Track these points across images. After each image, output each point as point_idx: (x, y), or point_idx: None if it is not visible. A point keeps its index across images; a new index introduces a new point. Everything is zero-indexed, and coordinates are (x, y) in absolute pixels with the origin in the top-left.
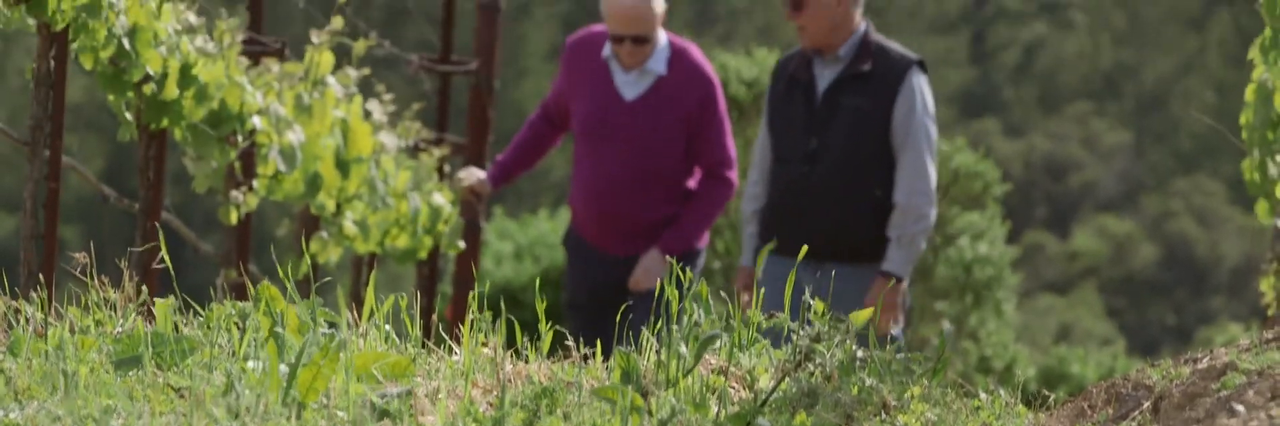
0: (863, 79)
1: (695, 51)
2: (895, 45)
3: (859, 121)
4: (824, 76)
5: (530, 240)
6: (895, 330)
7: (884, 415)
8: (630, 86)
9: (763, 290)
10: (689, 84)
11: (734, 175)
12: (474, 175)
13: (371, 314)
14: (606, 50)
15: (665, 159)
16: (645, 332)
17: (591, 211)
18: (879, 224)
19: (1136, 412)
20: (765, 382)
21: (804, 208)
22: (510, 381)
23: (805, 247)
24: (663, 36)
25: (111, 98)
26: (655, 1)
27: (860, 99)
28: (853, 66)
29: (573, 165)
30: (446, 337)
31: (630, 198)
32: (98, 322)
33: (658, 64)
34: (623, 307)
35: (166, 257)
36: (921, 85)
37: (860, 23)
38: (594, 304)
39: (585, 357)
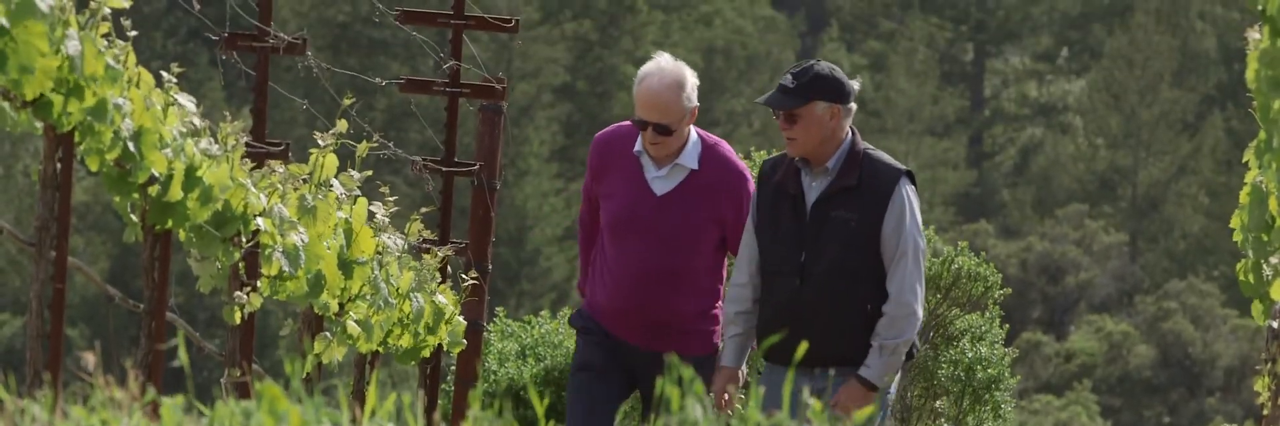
0: (851, 192)
1: (726, 148)
2: (883, 155)
3: (849, 235)
4: (812, 189)
5: (533, 340)
6: None
7: None
8: (661, 182)
9: (762, 392)
10: (722, 181)
11: None
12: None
13: (374, 412)
14: (638, 145)
15: (693, 255)
16: None
17: (614, 305)
18: (869, 333)
19: None
20: None
21: (796, 320)
22: None
23: (802, 350)
24: (694, 133)
25: (117, 199)
26: (684, 95)
27: (849, 213)
28: (841, 179)
29: (598, 258)
30: None
31: (656, 293)
32: (103, 422)
33: (690, 159)
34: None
35: (184, 355)
36: (910, 197)
37: (847, 132)
38: (603, 368)
39: None
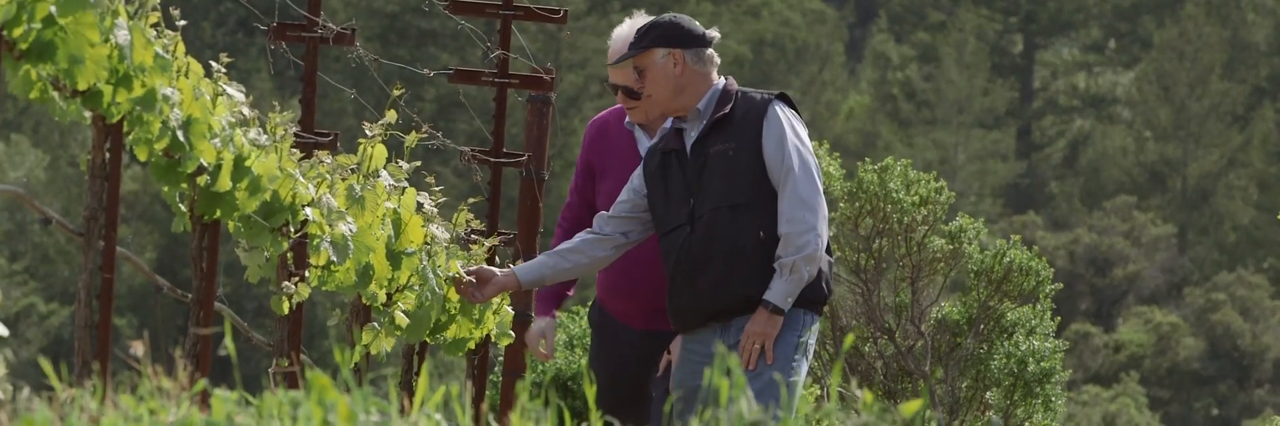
0: (726, 122)
1: None
2: (755, 90)
3: (730, 165)
4: (691, 136)
5: (582, 331)
6: (781, 374)
7: None
8: None
9: (671, 363)
10: None
11: None
12: (540, 335)
13: (422, 403)
14: (629, 119)
15: None
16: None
17: (617, 285)
18: (769, 271)
19: None
20: None
21: (692, 271)
22: None
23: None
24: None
25: (165, 189)
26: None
27: (726, 143)
28: (715, 114)
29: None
30: None
31: (653, 269)
32: (151, 411)
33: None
34: (647, 381)
35: (230, 344)
36: (786, 115)
37: (716, 80)
38: (615, 384)
39: None
